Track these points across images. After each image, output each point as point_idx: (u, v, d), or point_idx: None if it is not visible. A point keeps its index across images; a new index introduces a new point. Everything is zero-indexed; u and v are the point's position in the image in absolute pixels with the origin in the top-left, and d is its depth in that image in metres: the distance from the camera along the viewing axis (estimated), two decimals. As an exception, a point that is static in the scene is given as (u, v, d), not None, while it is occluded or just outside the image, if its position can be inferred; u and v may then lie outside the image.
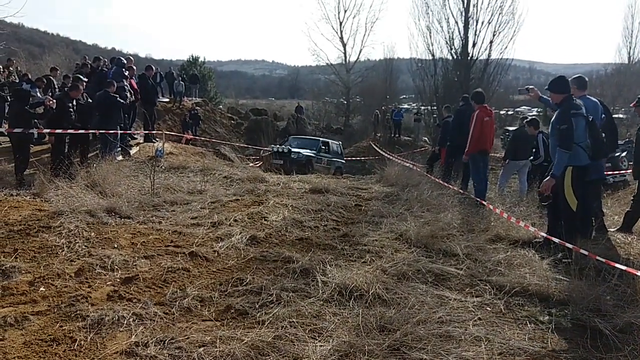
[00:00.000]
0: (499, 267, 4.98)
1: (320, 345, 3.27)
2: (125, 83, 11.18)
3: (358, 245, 5.58)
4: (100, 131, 9.79)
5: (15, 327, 3.41)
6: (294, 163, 15.62)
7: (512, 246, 5.74)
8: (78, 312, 3.60)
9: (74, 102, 9.25)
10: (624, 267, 4.35)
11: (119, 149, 10.74)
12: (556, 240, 5.24)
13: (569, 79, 6.06)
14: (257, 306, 3.82)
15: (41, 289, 4.03)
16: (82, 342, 3.22)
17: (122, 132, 10.66)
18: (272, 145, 17.50)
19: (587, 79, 6.33)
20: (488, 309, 4.09)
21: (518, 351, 3.37)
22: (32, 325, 3.45)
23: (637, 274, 4.11)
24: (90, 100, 9.94)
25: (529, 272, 4.75)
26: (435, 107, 18.80)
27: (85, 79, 10.94)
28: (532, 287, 4.42)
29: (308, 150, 16.97)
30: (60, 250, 4.80)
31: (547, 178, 5.37)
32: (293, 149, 16.21)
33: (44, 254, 4.73)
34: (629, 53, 43.54)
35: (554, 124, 5.49)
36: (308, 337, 3.41)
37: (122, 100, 10.20)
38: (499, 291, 4.38)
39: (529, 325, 3.82)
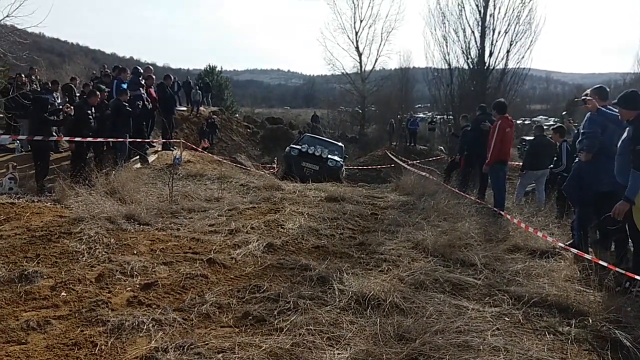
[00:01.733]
0: (517, 277, 4.95)
1: (338, 353, 3.27)
2: (142, 92, 11.32)
3: (375, 253, 5.57)
4: (118, 139, 9.92)
5: (38, 331, 3.47)
6: (330, 171, 13.37)
7: (530, 256, 5.68)
8: (99, 317, 3.65)
9: (93, 110, 9.40)
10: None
11: (137, 156, 10.88)
12: (574, 250, 5.18)
13: (589, 90, 5.98)
14: (274, 313, 3.83)
15: (62, 293, 4.09)
16: (103, 347, 3.26)
17: (140, 140, 10.79)
18: (296, 146, 14.47)
19: (608, 89, 6.21)
20: (506, 319, 4.06)
21: (537, 362, 3.34)
22: (54, 329, 3.51)
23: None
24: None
25: (547, 282, 4.70)
26: (451, 117, 18.67)
27: (107, 89, 11.11)
28: (551, 298, 4.38)
29: (337, 156, 14.88)
30: (81, 256, 4.87)
31: (621, 202, 4.85)
32: (330, 156, 13.93)
33: (65, 259, 4.80)
34: (648, 63, 43.00)
35: (628, 143, 4.94)
36: (325, 344, 3.42)
37: (129, 109, 10.28)
38: (518, 301, 4.35)
39: (548, 336, 3.79)
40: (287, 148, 14.48)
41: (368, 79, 41.34)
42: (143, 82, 11.81)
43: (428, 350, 3.35)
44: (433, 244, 5.80)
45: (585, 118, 5.90)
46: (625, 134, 5.06)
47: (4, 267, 4.44)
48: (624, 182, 4.87)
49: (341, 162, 14.54)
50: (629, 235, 5.10)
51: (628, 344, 3.61)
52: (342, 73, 41.69)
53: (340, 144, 17.50)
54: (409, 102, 42.07)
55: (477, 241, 6.08)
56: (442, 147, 26.18)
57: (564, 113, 13.65)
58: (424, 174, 11.36)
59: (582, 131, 5.91)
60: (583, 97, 5.94)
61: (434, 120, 30.45)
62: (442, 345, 3.42)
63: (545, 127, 11.40)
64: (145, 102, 11.22)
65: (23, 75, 13.30)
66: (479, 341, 3.54)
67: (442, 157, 20.63)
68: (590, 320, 3.99)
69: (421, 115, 39.81)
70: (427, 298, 4.33)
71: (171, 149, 13.07)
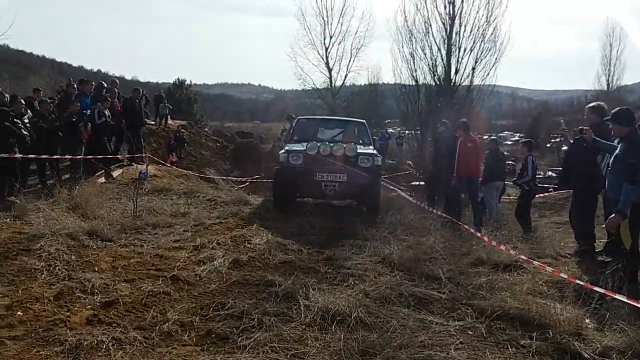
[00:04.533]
0: (480, 290, 5.01)
1: (302, 370, 3.25)
2: (102, 106, 11.10)
3: (341, 268, 5.57)
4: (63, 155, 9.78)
5: (-9, 353, 3.35)
6: (365, 180, 8.51)
7: (493, 269, 5.77)
8: (56, 336, 3.54)
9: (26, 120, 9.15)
10: (602, 290, 4.41)
11: (101, 171, 10.70)
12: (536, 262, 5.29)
13: (588, 107, 6.23)
14: (238, 331, 3.78)
15: (19, 313, 3.95)
16: (59, 368, 3.16)
17: (102, 155, 10.61)
18: (296, 146, 9.21)
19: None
20: (470, 332, 4.10)
21: (499, 375, 3.38)
22: (8, 350, 3.38)
23: (615, 296, 4.17)
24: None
25: (510, 295, 4.77)
26: (419, 132, 18.92)
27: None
28: (513, 311, 4.44)
29: (367, 146, 9.74)
30: (40, 274, 4.73)
31: (613, 215, 4.98)
32: (360, 150, 8.88)
33: (22, 277, 4.66)
34: (608, 80, 44.65)
35: (621, 158, 5.09)
36: (289, 362, 3.39)
37: (76, 121, 10.15)
38: (481, 315, 4.40)
39: (510, 349, 3.84)
40: (282, 154, 8.87)
41: (338, 94, 41.59)
42: (107, 96, 11.65)
43: (392, 365, 3.36)
44: (399, 258, 5.84)
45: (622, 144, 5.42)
46: (617, 150, 5.24)
47: (-43, 286, 4.28)
48: (616, 197, 5.04)
49: (377, 156, 9.22)
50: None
51: (587, 356, 3.69)
52: (313, 88, 41.87)
53: (360, 120, 11.50)
54: (378, 117, 42.53)
55: (442, 255, 6.15)
56: (410, 162, 26.51)
57: (562, 120, 14.13)
58: (392, 187, 11.49)
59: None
60: (580, 128, 6.11)
61: (402, 135, 30.84)
62: (406, 359, 3.43)
63: (511, 142, 11.73)
64: (106, 118, 11.02)
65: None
66: (442, 355, 3.57)
67: (410, 172, 20.87)
68: (551, 333, 4.06)
69: (390, 130, 40.31)
70: (391, 312, 4.35)
71: (140, 163, 12.88)
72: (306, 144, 8.95)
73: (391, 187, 11.90)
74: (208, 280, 4.95)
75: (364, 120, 11.21)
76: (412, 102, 19.19)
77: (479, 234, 6.91)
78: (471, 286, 5.15)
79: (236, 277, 5.05)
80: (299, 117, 11.40)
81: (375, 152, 9.31)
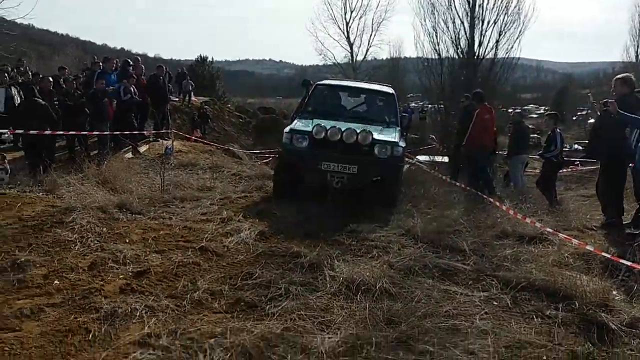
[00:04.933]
0: (505, 262, 5.02)
1: (329, 337, 3.32)
2: (127, 83, 11.24)
3: (365, 240, 5.63)
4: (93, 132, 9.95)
5: (32, 319, 3.49)
6: (381, 172, 7.31)
7: (518, 242, 5.77)
8: (92, 304, 3.68)
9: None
10: (629, 263, 4.38)
11: (129, 147, 10.88)
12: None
13: (616, 79, 6.15)
14: (266, 299, 3.87)
15: (55, 282, 4.11)
16: (97, 333, 3.29)
17: (129, 132, 10.78)
18: (302, 126, 7.68)
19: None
20: (495, 303, 4.13)
21: (524, 344, 3.41)
22: (47, 316, 3.53)
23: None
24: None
25: (535, 267, 4.78)
26: (442, 106, 18.67)
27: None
28: (538, 282, 4.45)
29: (389, 130, 7.89)
30: (73, 245, 4.89)
31: None
32: (378, 135, 7.32)
33: (57, 248, 4.82)
34: (636, 51, 43.12)
35: None
36: (316, 329, 3.47)
37: (104, 99, 10.28)
38: (506, 286, 4.42)
39: (535, 320, 3.86)
40: (286, 133, 7.53)
41: (359, 69, 41.25)
42: (132, 73, 11.78)
43: (417, 333, 3.41)
44: (423, 231, 5.86)
45: None
46: None
47: (-4, 256, 4.46)
48: None
49: (399, 144, 7.42)
50: None
51: (614, 327, 3.69)
52: (334, 63, 41.55)
53: (388, 89, 9.35)
54: (400, 92, 42.07)
55: (466, 228, 6.16)
56: (433, 136, 26.28)
57: (589, 93, 13.81)
58: (414, 161, 11.44)
59: None
60: (604, 101, 6.04)
61: (425, 109, 30.50)
62: (431, 328, 3.48)
63: (536, 115, 11.53)
64: (132, 95, 11.16)
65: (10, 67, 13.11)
66: (467, 325, 3.62)
67: (433, 146, 20.70)
68: (577, 304, 4.07)
69: (413, 104, 39.91)
70: (416, 283, 4.39)
71: (166, 139, 13.05)
72: (313, 123, 7.38)
73: (413, 161, 11.83)
74: (235, 251, 5.06)
75: (394, 91, 9.10)
76: (434, 76, 18.90)
77: (504, 207, 6.87)
78: (496, 258, 5.16)
79: (262, 248, 5.14)
80: (318, 82, 9.43)
81: (396, 139, 7.43)
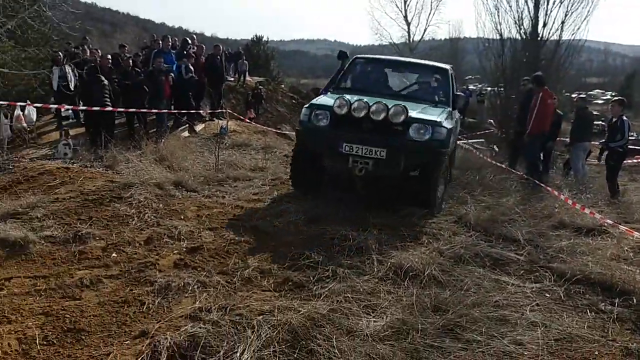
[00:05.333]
0: (560, 254, 4.87)
1: (374, 321, 3.35)
2: (187, 62, 11.48)
3: (415, 226, 5.57)
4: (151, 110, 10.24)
5: (91, 289, 3.71)
6: (415, 159, 5.88)
7: (575, 234, 5.56)
8: (147, 277, 3.86)
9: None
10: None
11: (185, 125, 11.18)
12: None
13: None
14: (313, 280, 3.92)
15: (113, 254, 4.33)
16: (151, 305, 3.46)
17: (186, 110, 11.04)
18: (327, 100, 6.43)
19: None
20: (547, 295, 4.03)
21: (575, 338, 3.33)
22: (105, 287, 3.74)
23: None
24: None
25: (592, 260, 4.61)
26: (502, 89, 18.03)
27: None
28: (594, 276, 4.31)
29: (433, 109, 6.43)
30: (131, 220, 5.11)
31: None
32: (415, 114, 5.86)
33: (115, 222, 5.05)
34: None
35: None
36: (362, 312, 3.50)
37: (161, 77, 10.54)
38: (560, 278, 4.30)
39: (589, 314, 3.75)
40: (305, 109, 6.32)
41: (416, 49, 40.38)
42: (192, 52, 12.02)
43: (464, 322, 3.38)
44: (476, 219, 5.75)
45: None
46: None
47: (60, 228, 4.73)
48: None
49: (442, 125, 5.95)
50: None
51: (674, 325, 3.53)
52: (390, 43, 40.88)
53: (442, 65, 7.94)
54: (459, 73, 40.94)
55: (522, 217, 5.98)
56: (491, 120, 25.53)
57: None
58: (469, 146, 11.15)
59: None
60: None
61: (483, 92, 29.56)
62: (479, 317, 3.44)
63: (602, 101, 10.96)
64: (191, 73, 11.40)
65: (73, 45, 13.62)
66: (517, 316, 3.55)
67: (492, 131, 20.11)
68: (635, 300, 3.91)
69: (471, 87, 38.83)
70: (466, 272, 4.33)
71: (219, 118, 13.32)
72: (340, 97, 5.97)
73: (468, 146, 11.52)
74: (285, 231, 5.13)
75: (450, 67, 7.61)
76: (495, 57, 18.27)
77: (562, 197, 6.62)
78: (551, 249, 5.02)
79: (311, 230, 5.19)
80: (357, 55, 7.93)
81: (440, 118, 5.96)
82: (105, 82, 9.12)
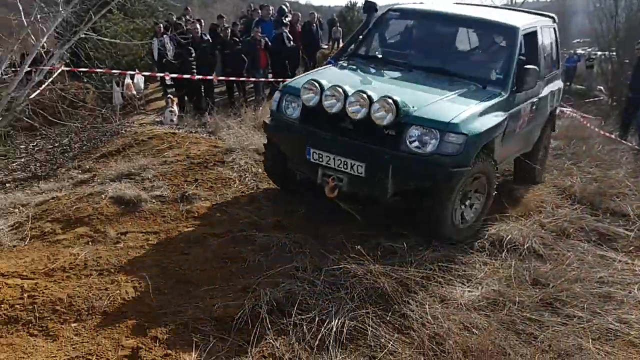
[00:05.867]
0: (676, 231, 4.50)
1: (469, 291, 3.32)
2: (285, 30, 11.61)
3: (516, 198, 5.38)
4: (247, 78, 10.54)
5: (198, 245, 3.99)
6: (415, 176, 3.90)
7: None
8: (248, 236, 4.08)
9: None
10: None
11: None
12: None
13: None
14: (406, 248, 3.91)
15: (217, 214, 4.60)
16: (252, 262, 3.67)
17: (281, 79, 11.25)
18: (311, 82, 4.04)
19: None
20: (659, 274, 3.76)
21: (691, 322, 3.10)
22: (210, 244, 4.00)
23: None
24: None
25: None
26: (614, 53, 16.59)
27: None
28: None
29: (458, 100, 4.08)
30: (233, 183, 5.36)
31: None
32: (414, 111, 3.80)
33: (219, 184, 5.32)
34: None
35: None
36: (456, 281, 3.48)
37: (257, 46, 10.74)
38: (675, 257, 3.99)
39: None
40: (277, 92, 4.60)
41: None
42: (287, 21, 12.15)
43: (565, 297, 3.27)
44: (581, 191, 5.44)
45: None
46: None
47: (169, 188, 5.07)
48: None
49: (461, 131, 3.77)
50: None
51: None
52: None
53: (510, 22, 4.88)
54: (566, 37, 38.05)
55: (632, 191, 5.57)
56: (601, 87, 23.63)
57: None
58: (577, 115, 10.43)
59: None
60: None
61: (593, 56, 27.31)
62: (581, 293, 3.31)
63: None
64: (287, 41, 11.53)
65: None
66: (623, 294, 3.38)
67: (601, 98, 18.64)
68: None
69: (580, 51, 36.03)
70: (568, 246, 4.15)
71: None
72: (308, 80, 4.15)
73: (576, 114, 10.73)
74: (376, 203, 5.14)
75: (519, 28, 4.75)
76: (607, 19, 16.81)
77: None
78: (666, 226, 4.64)
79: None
80: (391, 7, 5.60)
81: (461, 117, 3.84)
82: (193, 53, 9.54)
